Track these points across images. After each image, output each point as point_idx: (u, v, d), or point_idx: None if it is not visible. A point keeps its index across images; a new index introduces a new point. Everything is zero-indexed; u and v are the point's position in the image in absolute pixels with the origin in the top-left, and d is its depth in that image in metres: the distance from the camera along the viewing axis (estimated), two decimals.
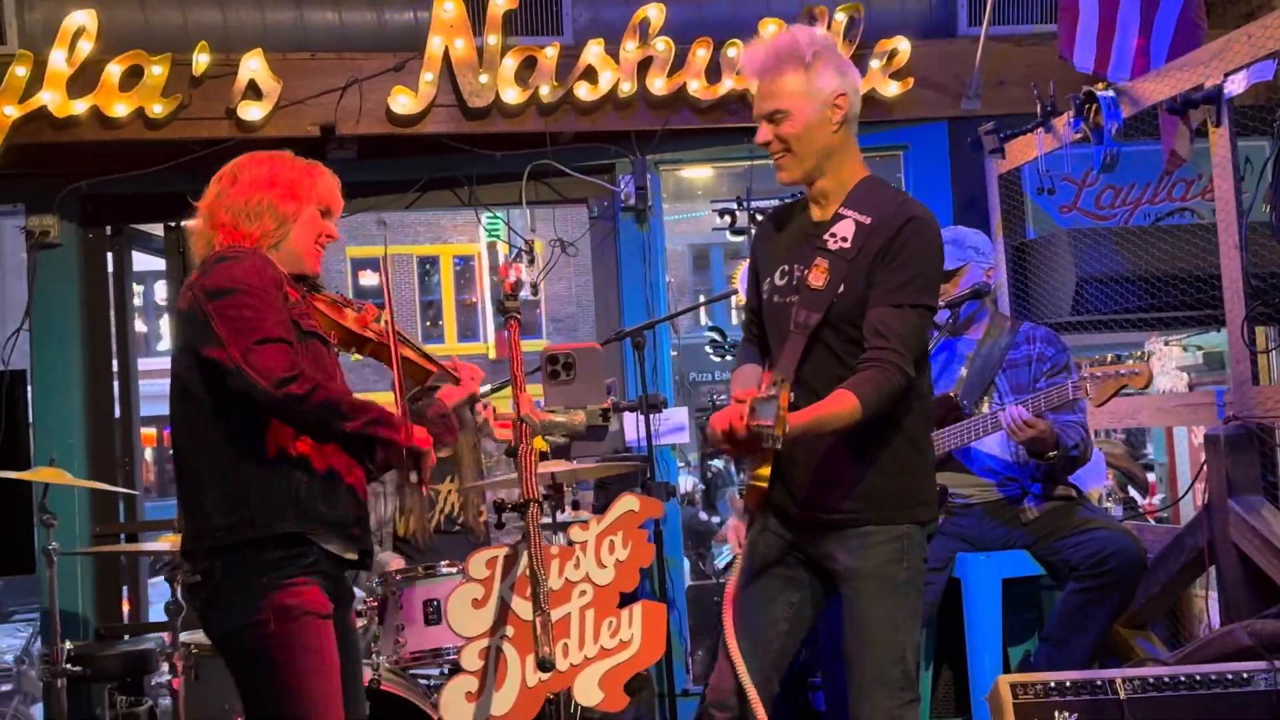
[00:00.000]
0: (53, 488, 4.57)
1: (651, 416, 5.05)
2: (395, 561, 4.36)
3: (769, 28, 4.95)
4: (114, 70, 4.67)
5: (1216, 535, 3.65)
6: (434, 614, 3.49)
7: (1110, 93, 4.10)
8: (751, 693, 2.62)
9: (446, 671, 3.81)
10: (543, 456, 2.53)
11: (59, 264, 5.24)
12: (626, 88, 4.92)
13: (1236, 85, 3.65)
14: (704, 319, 14.89)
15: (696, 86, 4.94)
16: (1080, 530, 3.71)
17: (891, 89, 5.07)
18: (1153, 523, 4.89)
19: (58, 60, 4.63)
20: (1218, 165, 3.69)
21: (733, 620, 2.70)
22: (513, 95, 4.87)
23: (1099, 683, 3.10)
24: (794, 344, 2.65)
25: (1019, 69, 5.02)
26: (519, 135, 5.03)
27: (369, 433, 2.46)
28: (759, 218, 5.26)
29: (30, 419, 5.16)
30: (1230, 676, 3.15)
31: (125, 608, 5.59)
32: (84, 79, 4.68)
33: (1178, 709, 3.09)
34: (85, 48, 4.65)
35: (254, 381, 2.35)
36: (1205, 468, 3.73)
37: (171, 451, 2.65)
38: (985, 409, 3.85)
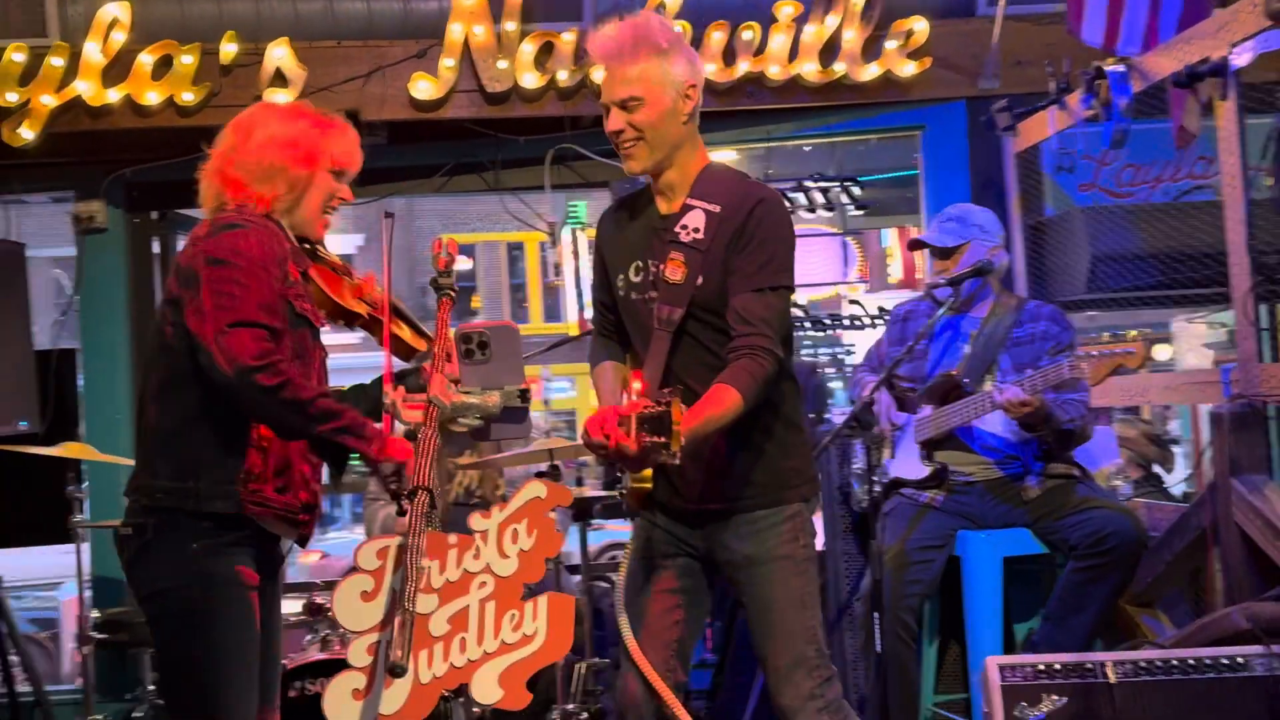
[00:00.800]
0: (93, 462, 4.73)
1: None
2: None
3: (785, 9, 4.98)
4: (146, 60, 4.81)
5: (1220, 515, 3.63)
6: None
7: (1120, 67, 4.07)
8: (665, 693, 2.63)
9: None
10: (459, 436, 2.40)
11: (106, 248, 5.41)
12: None
13: (1243, 57, 3.61)
14: None
15: (713, 70, 4.98)
16: (1079, 509, 3.72)
17: (908, 69, 5.07)
18: (1164, 501, 4.86)
19: (92, 51, 4.78)
20: (1223, 140, 3.66)
21: (628, 620, 2.68)
22: (531, 80, 4.94)
23: (1089, 666, 3.09)
24: (659, 341, 2.65)
25: (1037, 48, 4.98)
26: (539, 120, 5.10)
27: (337, 441, 2.38)
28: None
29: (80, 396, 5.38)
30: (1225, 661, 3.09)
31: None
32: (118, 69, 4.83)
33: (1169, 694, 3.05)
34: (119, 38, 4.79)
35: (217, 363, 2.32)
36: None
37: (138, 396, 2.59)
38: (988, 387, 3.86)
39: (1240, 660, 3.10)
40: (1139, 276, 4.41)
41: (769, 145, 5.25)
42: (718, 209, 2.62)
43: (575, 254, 6.43)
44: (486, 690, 1.94)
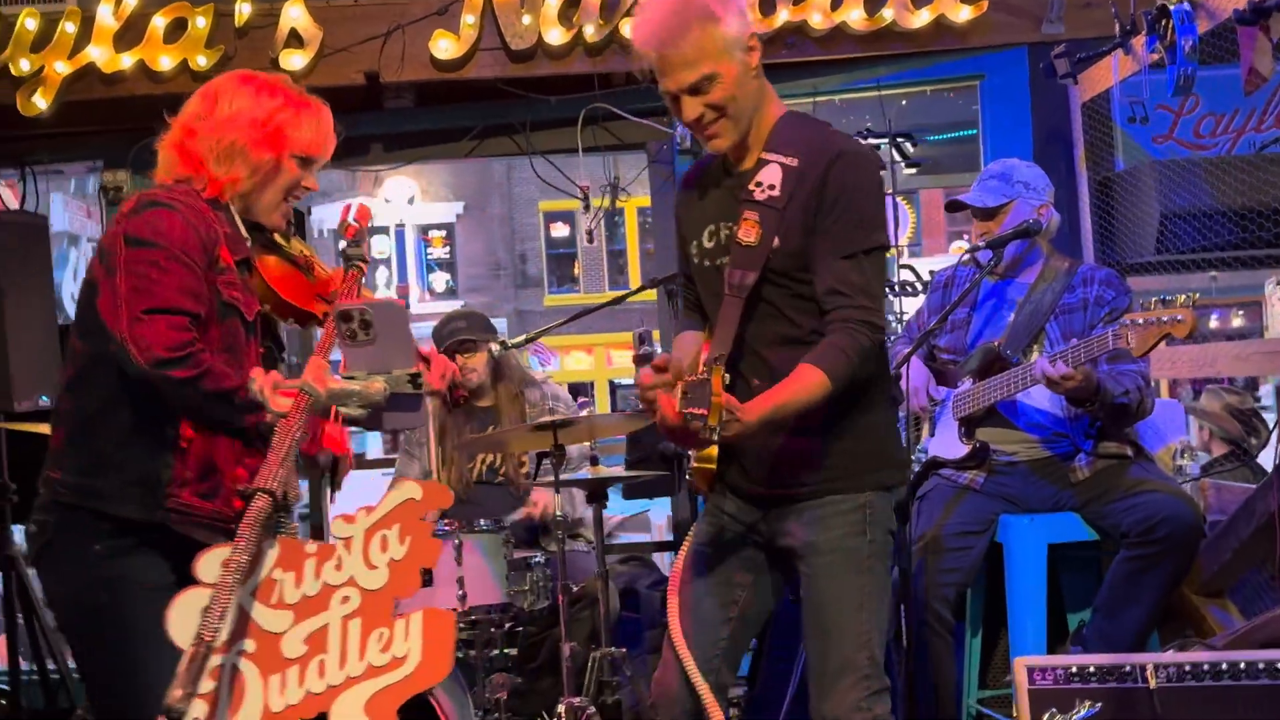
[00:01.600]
0: None
1: None
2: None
3: None
4: (159, 23, 4.66)
5: None
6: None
7: (1185, 5, 3.69)
8: (704, 692, 2.40)
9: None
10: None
11: None
12: None
13: None
14: None
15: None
16: (1131, 493, 3.38)
17: (964, 14, 4.69)
18: (1234, 483, 4.47)
19: (105, 15, 4.65)
20: None
21: (679, 609, 2.47)
22: (556, 36, 4.69)
23: (1128, 669, 2.78)
24: (730, 307, 2.40)
25: None
26: (568, 78, 4.84)
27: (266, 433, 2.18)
28: None
29: None
30: None
31: None
32: (131, 33, 4.69)
33: (1216, 702, 2.75)
34: (131, 2, 4.65)
35: (130, 354, 2.14)
36: None
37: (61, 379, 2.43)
38: (1034, 358, 3.53)
39: None
40: (1213, 235, 4.04)
41: (814, 101, 4.91)
42: (794, 163, 2.38)
43: None
44: (349, 718, 1.69)
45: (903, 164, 5.02)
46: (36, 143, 5.17)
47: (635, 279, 20.16)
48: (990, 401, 3.52)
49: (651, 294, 4.50)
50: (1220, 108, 4.75)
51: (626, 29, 4.68)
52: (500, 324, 17.54)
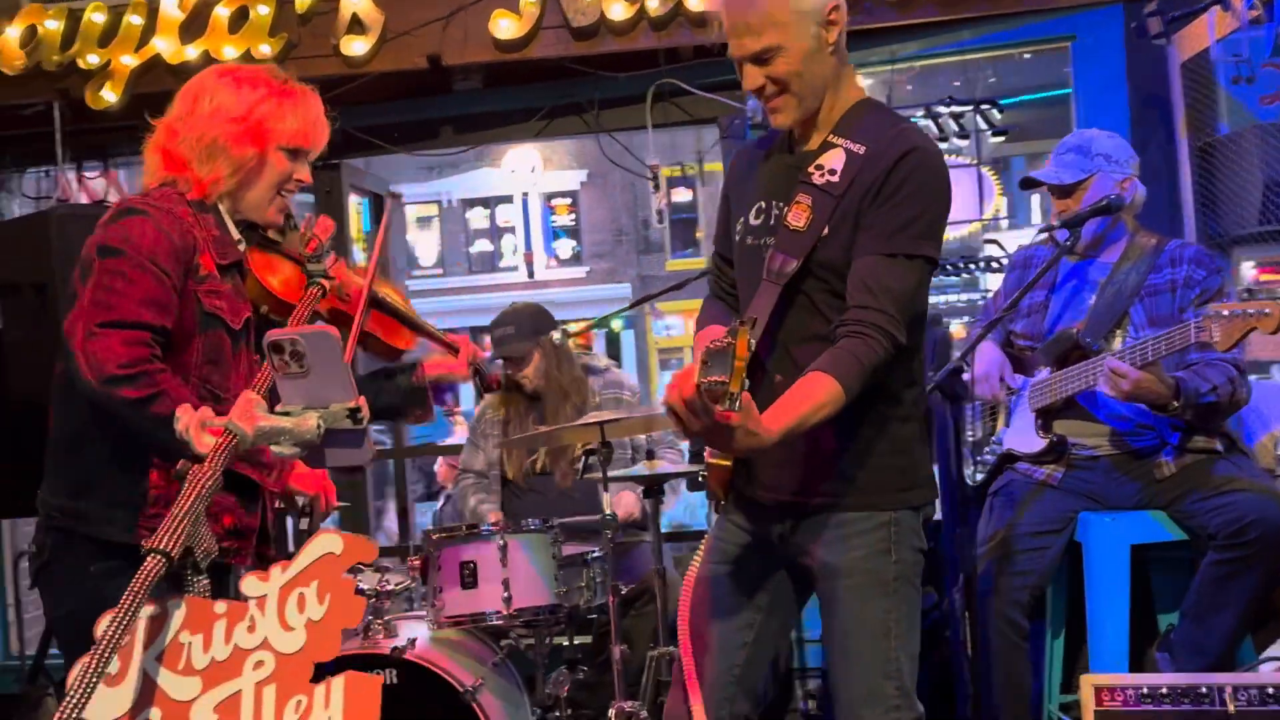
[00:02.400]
0: None
1: None
2: (493, 514, 4.22)
3: None
4: (222, 13, 4.63)
5: None
6: (470, 577, 3.33)
7: None
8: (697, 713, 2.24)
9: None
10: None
11: None
12: None
13: None
14: None
15: None
16: (1219, 491, 3.12)
17: None
18: None
19: (169, 6, 4.64)
20: None
21: (690, 631, 2.29)
22: (620, 11, 4.52)
23: (1204, 690, 2.55)
24: (766, 294, 2.22)
25: None
26: (633, 54, 4.68)
27: (230, 466, 2.03)
28: None
29: None
30: None
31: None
32: (195, 24, 4.66)
33: None
34: None
35: (80, 369, 2.05)
36: None
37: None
38: (1117, 345, 3.28)
39: None
40: None
41: (892, 69, 4.67)
42: (861, 150, 2.20)
43: None
44: None
45: (989, 132, 4.73)
46: (119, 134, 5.20)
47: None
48: (1067, 393, 3.29)
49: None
50: None
51: (691, 1, 4.50)
52: (624, 289, 17.54)
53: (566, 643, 4.02)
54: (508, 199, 20.79)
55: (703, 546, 2.42)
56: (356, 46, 4.61)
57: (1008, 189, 5.13)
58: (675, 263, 22.08)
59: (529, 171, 21.03)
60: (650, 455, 3.62)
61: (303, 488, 2.23)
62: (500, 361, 4.28)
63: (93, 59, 4.66)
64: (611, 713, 3.35)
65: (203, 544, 1.58)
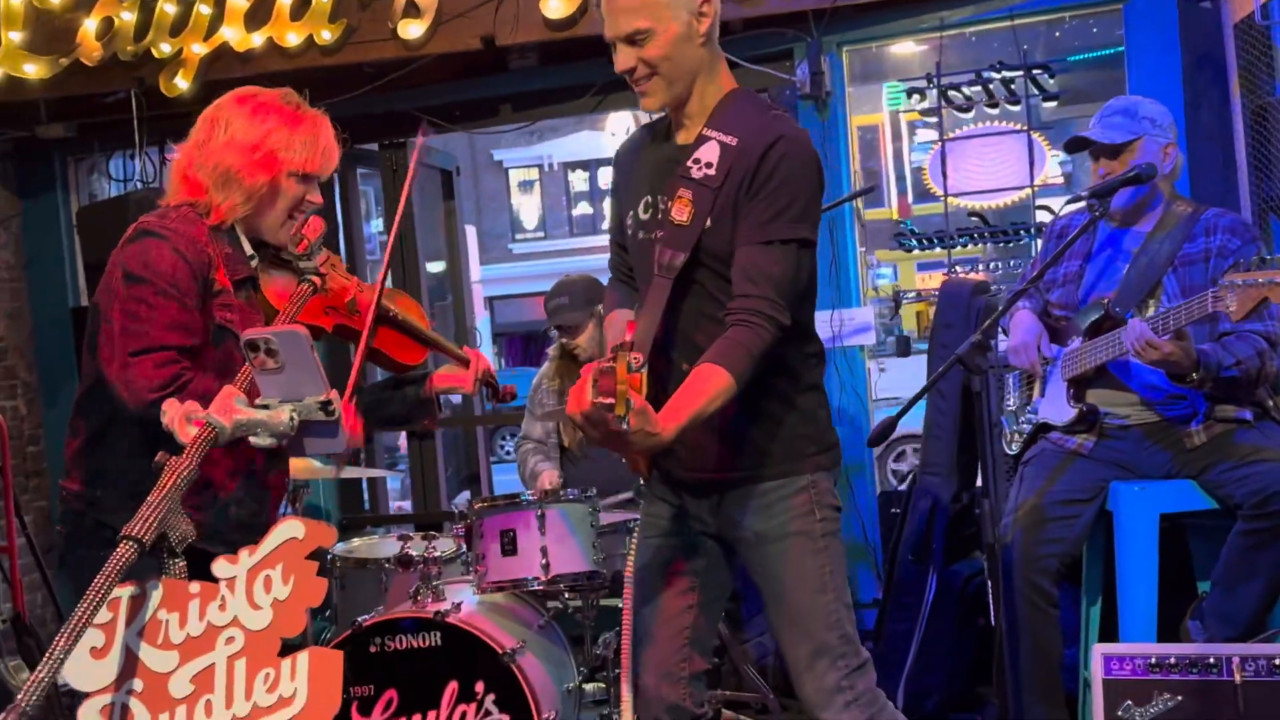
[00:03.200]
0: None
1: (836, 315, 4.78)
2: (548, 476, 4.35)
3: None
4: (285, 1, 4.80)
5: None
6: (510, 545, 3.47)
7: None
8: (625, 701, 2.42)
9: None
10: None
11: None
12: None
13: None
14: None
15: None
16: (1246, 462, 3.12)
17: None
18: None
19: None
20: None
21: (634, 605, 2.46)
22: None
23: (1212, 661, 2.60)
24: (658, 289, 2.34)
25: None
26: None
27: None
28: (950, 93, 4.70)
29: None
30: None
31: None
32: (261, 12, 4.84)
33: None
34: None
35: (122, 396, 2.22)
36: None
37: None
38: (1149, 315, 3.28)
39: None
40: None
41: (941, 35, 4.65)
42: (733, 141, 2.32)
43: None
44: None
45: (1040, 97, 4.70)
46: (193, 120, 5.40)
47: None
48: (1096, 363, 3.31)
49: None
50: None
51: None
52: None
53: (619, 605, 4.15)
54: (609, 162, 20.98)
55: (638, 529, 2.57)
56: (413, 30, 4.75)
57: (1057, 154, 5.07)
58: None
59: (625, 134, 21.16)
60: None
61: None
62: (558, 333, 4.41)
63: (165, 48, 4.87)
64: None
65: (178, 531, 1.72)
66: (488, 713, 3.33)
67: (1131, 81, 4.55)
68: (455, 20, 4.77)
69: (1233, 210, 3.81)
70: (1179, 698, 2.56)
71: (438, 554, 3.58)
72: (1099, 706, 2.64)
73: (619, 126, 20.62)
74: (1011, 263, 5.50)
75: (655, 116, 2.58)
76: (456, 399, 6.02)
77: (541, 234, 22.11)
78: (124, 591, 1.76)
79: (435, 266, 6.21)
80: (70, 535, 2.40)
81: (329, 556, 4.04)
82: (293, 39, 4.82)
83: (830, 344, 4.81)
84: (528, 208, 22.22)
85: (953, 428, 4.28)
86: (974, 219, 4.81)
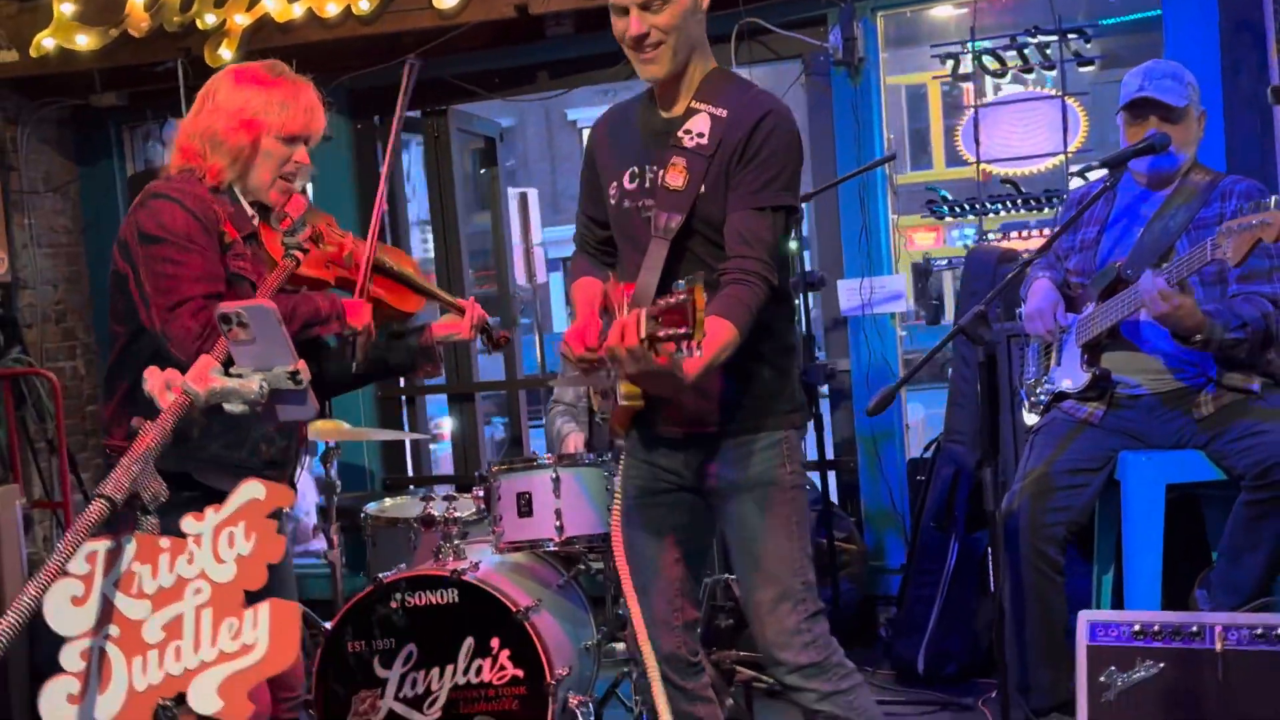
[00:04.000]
0: None
1: (867, 283, 4.79)
2: (574, 439, 4.44)
3: None
4: None
5: None
6: (526, 506, 3.57)
7: None
8: (647, 653, 2.48)
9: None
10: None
11: (331, 158, 5.60)
12: None
13: None
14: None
15: None
16: (1250, 433, 3.11)
17: None
18: None
19: None
20: None
21: (627, 561, 2.54)
22: None
23: (1195, 629, 2.62)
24: (658, 248, 2.46)
25: None
26: None
27: (304, 337, 2.43)
28: (984, 60, 4.66)
29: None
30: None
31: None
32: None
33: None
34: None
35: (174, 350, 2.35)
36: None
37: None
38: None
39: None
40: None
41: (975, 1, 4.62)
42: (723, 114, 2.47)
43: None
44: (205, 700, 1.83)
45: (1075, 62, 4.65)
46: None
47: (939, 159, 19.61)
48: (1109, 324, 3.31)
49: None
50: None
51: None
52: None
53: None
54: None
55: (618, 485, 2.67)
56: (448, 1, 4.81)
57: (1095, 120, 5.02)
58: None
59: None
60: None
61: (363, 319, 2.52)
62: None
63: (210, 19, 4.99)
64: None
65: (149, 490, 1.83)
66: (502, 667, 3.44)
67: (1169, 47, 4.49)
68: None
69: (1269, 176, 3.77)
70: (1161, 664, 2.59)
71: (458, 515, 3.69)
72: (1083, 672, 2.67)
73: None
74: (1045, 231, 5.43)
75: (627, 96, 2.69)
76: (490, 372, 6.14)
77: None
78: (100, 545, 1.89)
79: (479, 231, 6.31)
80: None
81: (362, 515, 4.18)
82: (331, 9, 4.91)
83: (860, 311, 4.83)
84: None
85: (976, 395, 4.28)
86: (1007, 186, 4.79)
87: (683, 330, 1.99)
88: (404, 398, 5.78)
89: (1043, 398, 3.61)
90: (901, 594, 4.53)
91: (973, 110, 4.75)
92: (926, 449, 4.60)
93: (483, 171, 6.35)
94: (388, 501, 4.30)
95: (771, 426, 2.53)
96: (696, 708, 2.73)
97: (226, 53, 5.00)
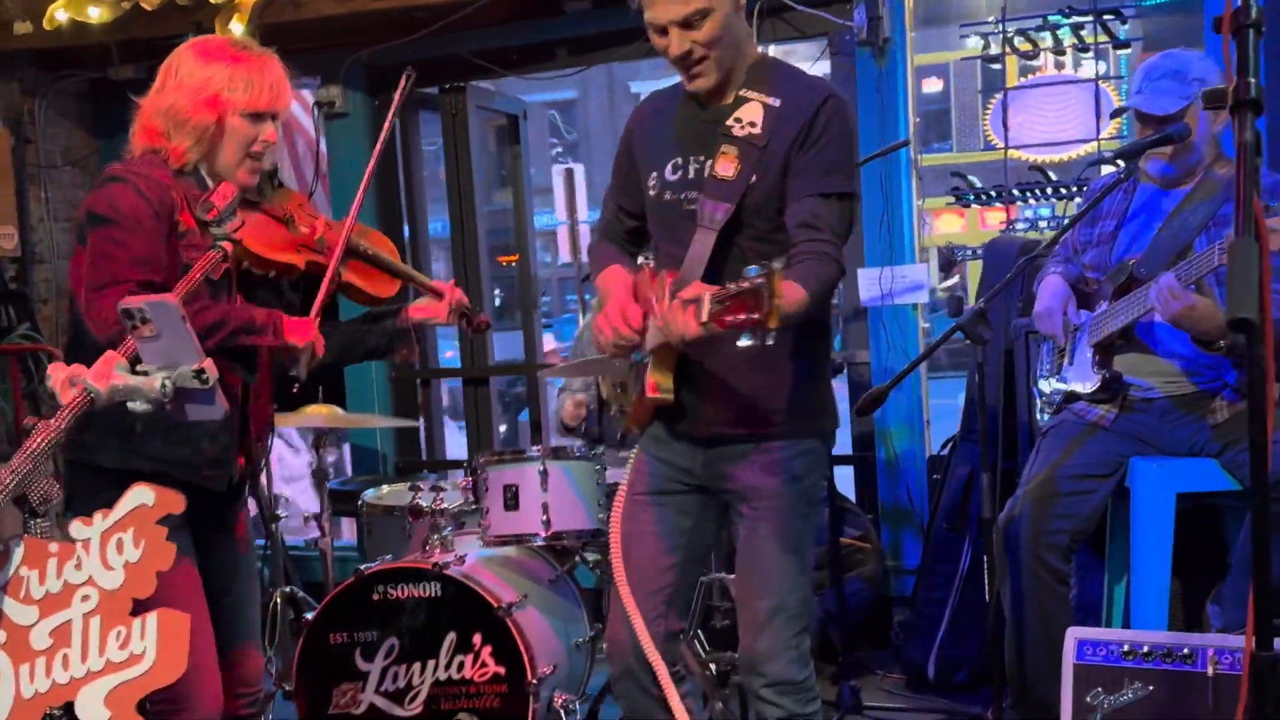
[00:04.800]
0: None
1: (888, 272, 4.64)
2: (570, 405, 4.34)
3: None
4: None
5: None
6: (512, 500, 3.48)
7: None
8: (648, 645, 2.42)
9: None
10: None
11: (349, 134, 5.53)
12: None
13: None
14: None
15: None
16: None
17: None
18: None
19: None
20: None
21: (622, 558, 2.49)
22: None
23: (1186, 651, 2.47)
24: (704, 238, 2.36)
25: None
26: None
27: (235, 345, 2.36)
28: (1016, 40, 4.46)
29: None
30: None
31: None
32: None
33: None
34: None
35: (92, 331, 2.27)
36: None
37: None
38: None
39: None
40: None
41: None
42: (777, 103, 2.39)
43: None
44: (92, 710, 1.75)
45: (1110, 44, 4.44)
46: None
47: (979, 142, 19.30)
48: (1120, 325, 3.14)
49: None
50: None
51: None
52: None
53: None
54: None
55: (626, 482, 2.58)
56: None
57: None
58: (926, 158, 21.55)
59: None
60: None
61: (300, 338, 2.43)
62: None
63: None
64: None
65: (38, 491, 1.77)
66: (484, 664, 3.36)
67: (1210, 28, 4.26)
68: None
69: None
70: (1150, 687, 2.45)
71: (444, 506, 3.61)
72: (1068, 692, 2.53)
73: None
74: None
75: (670, 83, 2.58)
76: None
77: None
78: None
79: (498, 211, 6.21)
80: (71, 483, 2.45)
81: (359, 503, 4.11)
82: None
83: (880, 301, 4.67)
84: None
85: (994, 393, 4.12)
86: (1035, 173, 4.60)
87: (755, 316, 1.92)
88: (418, 381, 5.70)
89: (1054, 398, 3.45)
90: (914, 596, 4.39)
91: (1001, 93, 4.56)
92: (943, 446, 4.44)
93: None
94: (385, 489, 4.22)
95: (801, 434, 2.46)
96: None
97: (237, 26, 4.93)
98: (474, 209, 5.56)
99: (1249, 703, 1.60)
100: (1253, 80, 1.67)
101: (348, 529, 5.56)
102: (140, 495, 1.83)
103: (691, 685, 2.73)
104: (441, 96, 5.63)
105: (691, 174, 2.43)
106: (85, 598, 1.83)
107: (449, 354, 7.26)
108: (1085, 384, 3.29)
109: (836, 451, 4.55)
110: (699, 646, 4.04)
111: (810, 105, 2.36)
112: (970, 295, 8.34)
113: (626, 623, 2.50)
